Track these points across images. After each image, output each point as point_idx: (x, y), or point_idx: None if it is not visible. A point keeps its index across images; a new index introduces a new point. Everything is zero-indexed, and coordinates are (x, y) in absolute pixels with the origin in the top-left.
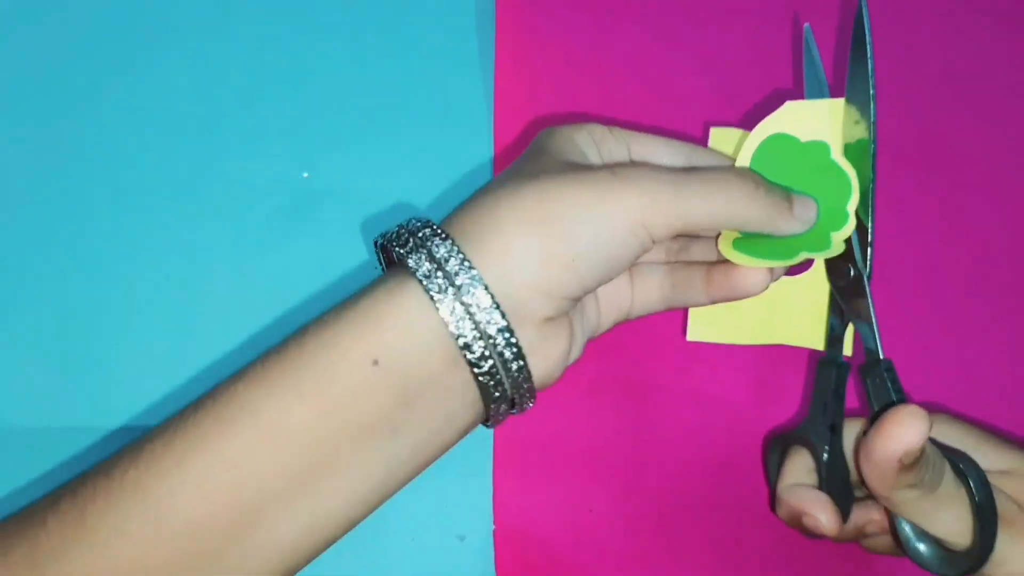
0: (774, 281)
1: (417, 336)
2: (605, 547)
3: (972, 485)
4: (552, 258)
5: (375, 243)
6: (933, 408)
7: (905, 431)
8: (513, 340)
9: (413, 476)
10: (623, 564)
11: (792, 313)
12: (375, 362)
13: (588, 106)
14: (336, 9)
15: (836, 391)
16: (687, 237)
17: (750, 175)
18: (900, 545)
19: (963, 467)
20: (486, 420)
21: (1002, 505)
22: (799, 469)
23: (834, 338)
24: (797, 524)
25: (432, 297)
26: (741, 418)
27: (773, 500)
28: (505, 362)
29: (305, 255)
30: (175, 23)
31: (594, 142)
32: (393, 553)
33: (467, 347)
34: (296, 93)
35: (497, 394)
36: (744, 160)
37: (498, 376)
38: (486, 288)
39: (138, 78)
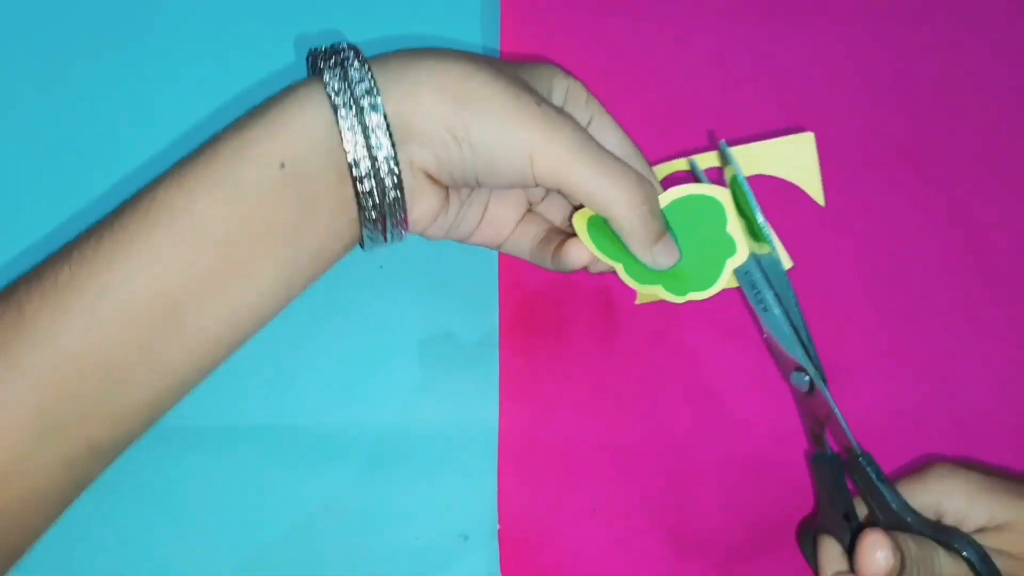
0: (593, 272)
1: (317, 145)
2: (609, 546)
3: (973, 562)
4: (446, 125)
5: (306, 58)
6: (932, 458)
7: (875, 564)
8: (395, 170)
9: (309, 283)
10: (627, 563)
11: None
12: (282, 165)
13: None
14: (339, 11)
15: (836, 483)
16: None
17: (646, 189)
18: None
19: (958, 546)
20: (361, 242)
21: (1004, 566)
22: (833, 556)
23: (815, 437)
24: None
25: (336, 111)
26: (745, 417)
27: None
28: (384, 188)
29: None
30: (176, 22)
31: (566, 93)
32: (397, 552)
33: (355, 163)
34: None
35: (373, 215)
36: (672, 194)
37: (375, 198)
38: (384, 116)
39: (142, 84)
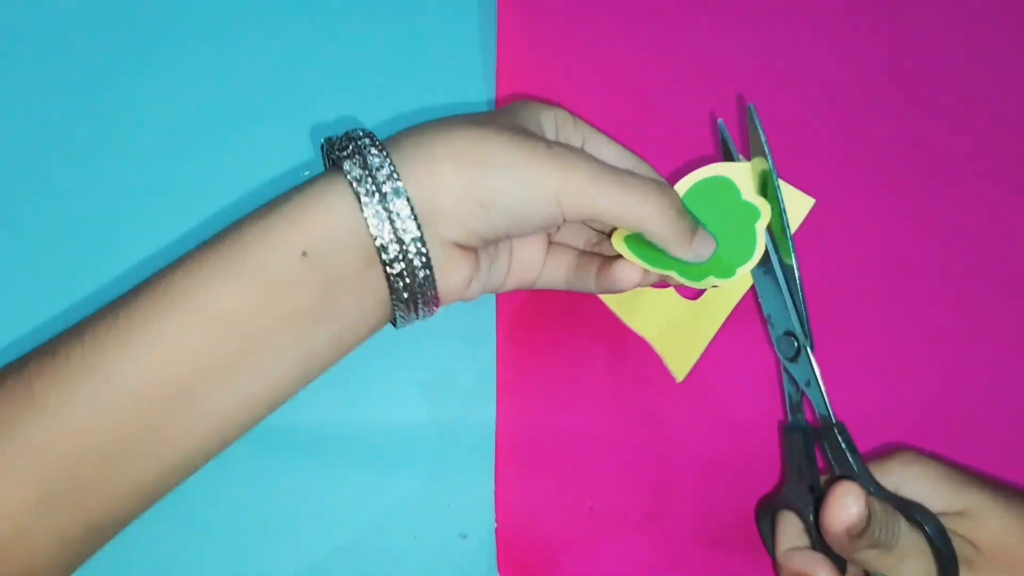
0: (645, 285)
1: (342, 233)
2: (606, 545)
3: (930, 534)
4: (470, 194)
5: (321, 146)
6: (896, 446)
7: (844, 510)
8: (423, 250)
9: (329, 366)
10: (624, 562)
11: (678, 332)
12: (304, 254)
13: (589, 106)
14: (338, 10)
15: (807, 454)
16: (603, 233)
17: (669, 194)
18: None
19: (919, 518)
20: (393, 321)
21: (959, 548)
22: (792, 532)
23: (793, 405)
24: None
25: (359, 199)
26: (743, 417)
27: (776, 567)
28: (413, 269)
29: None
30: (176, 22)
31: (555, 124)
32: (396, 551)
33: (383, 248)
34: (297, 93)
35: (405, 295)
36: (682, 187)
37: (406, 280)
38: (408, 200)
39: (141, 82)
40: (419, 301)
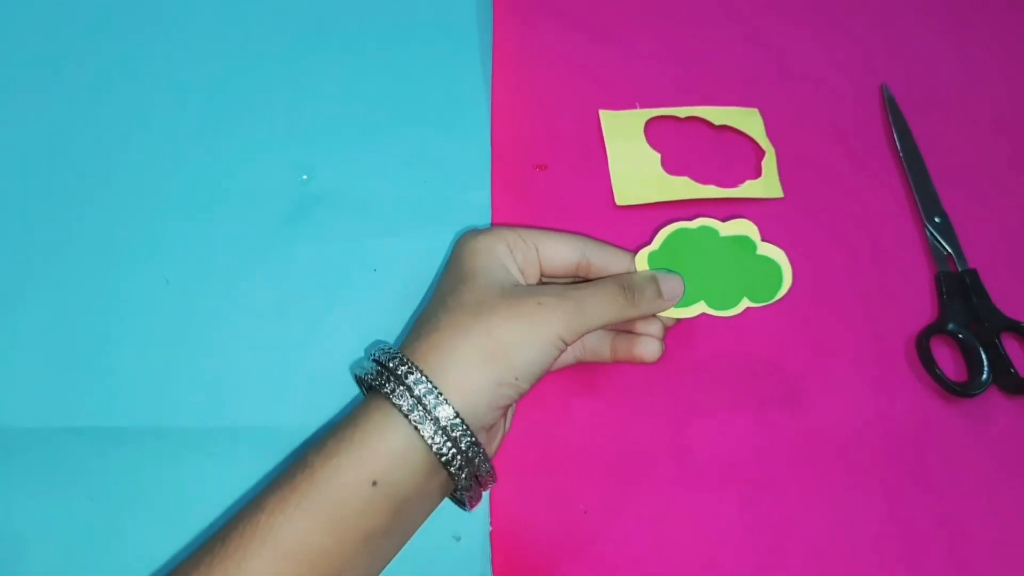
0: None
1: (406, 457)
2: (600, 548)
3: None
4: (501, 383)
5: (355, 376)
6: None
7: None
8: (479, 450)
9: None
10: (617, 565)
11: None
12: (374, 483)
13: (584, 107)
14: (336, 15)
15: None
16: None
17: (614, 289)
18: None
19: None
20: (461, 503)
21: None
22: None
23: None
24: None
25: (416, 427)
26: (737, 422)
27: None
28: (473, 464)
29: (305, 256)
30: (176, 28)
31: (510, 249)
32: None
33: (447, 461)
34: (296, 97)
35: (467, 483)
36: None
37: (465, 472)
38: (457, 414)
39: (140, 83)
40: (478, 482)
